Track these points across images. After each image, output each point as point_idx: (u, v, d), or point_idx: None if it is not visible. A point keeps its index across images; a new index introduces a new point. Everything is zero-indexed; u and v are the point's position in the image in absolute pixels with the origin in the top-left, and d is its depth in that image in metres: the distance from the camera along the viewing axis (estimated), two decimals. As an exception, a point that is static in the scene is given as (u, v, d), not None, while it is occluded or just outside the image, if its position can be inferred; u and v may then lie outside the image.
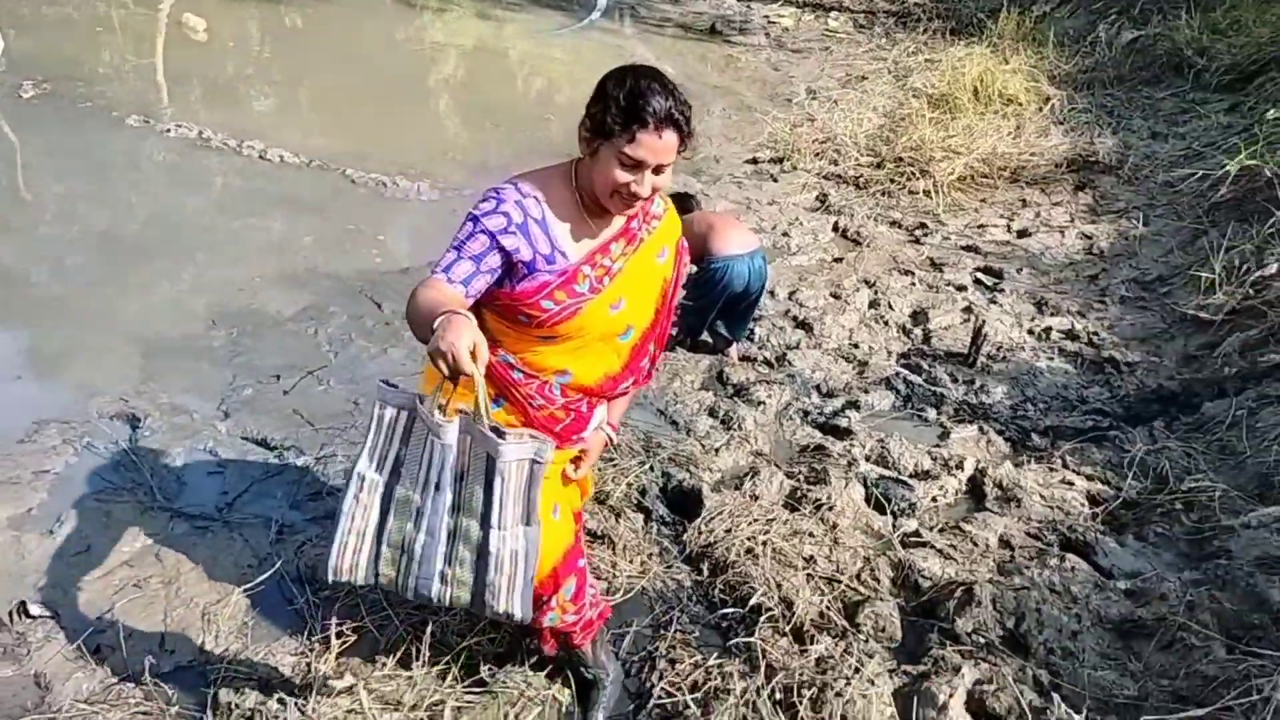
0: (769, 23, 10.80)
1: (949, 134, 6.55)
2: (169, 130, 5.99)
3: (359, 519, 1.87)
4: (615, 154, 1.80)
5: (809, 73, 8.97)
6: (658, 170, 1.81)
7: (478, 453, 1.77)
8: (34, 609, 2.64)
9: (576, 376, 2.05)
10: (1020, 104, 7.22)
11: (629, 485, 3.24)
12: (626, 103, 1.78)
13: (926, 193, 6.04)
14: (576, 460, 2.20)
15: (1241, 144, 5.38)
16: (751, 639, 2.59)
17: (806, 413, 3.82)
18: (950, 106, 7.08)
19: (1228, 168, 5.11)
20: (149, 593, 2.73)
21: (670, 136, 1.79)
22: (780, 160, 6.56)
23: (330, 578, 1.89)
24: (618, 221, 1.98)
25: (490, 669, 2.46)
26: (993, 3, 9.94)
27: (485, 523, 1.81)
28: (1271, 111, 5.46)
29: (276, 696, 2.37)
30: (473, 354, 1.56)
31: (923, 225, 5.68)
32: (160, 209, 5.16)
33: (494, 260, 1.84)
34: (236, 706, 2.37)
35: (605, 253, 1.97)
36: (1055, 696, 2.38)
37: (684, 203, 4.15)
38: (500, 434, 1.73)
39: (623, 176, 1.81)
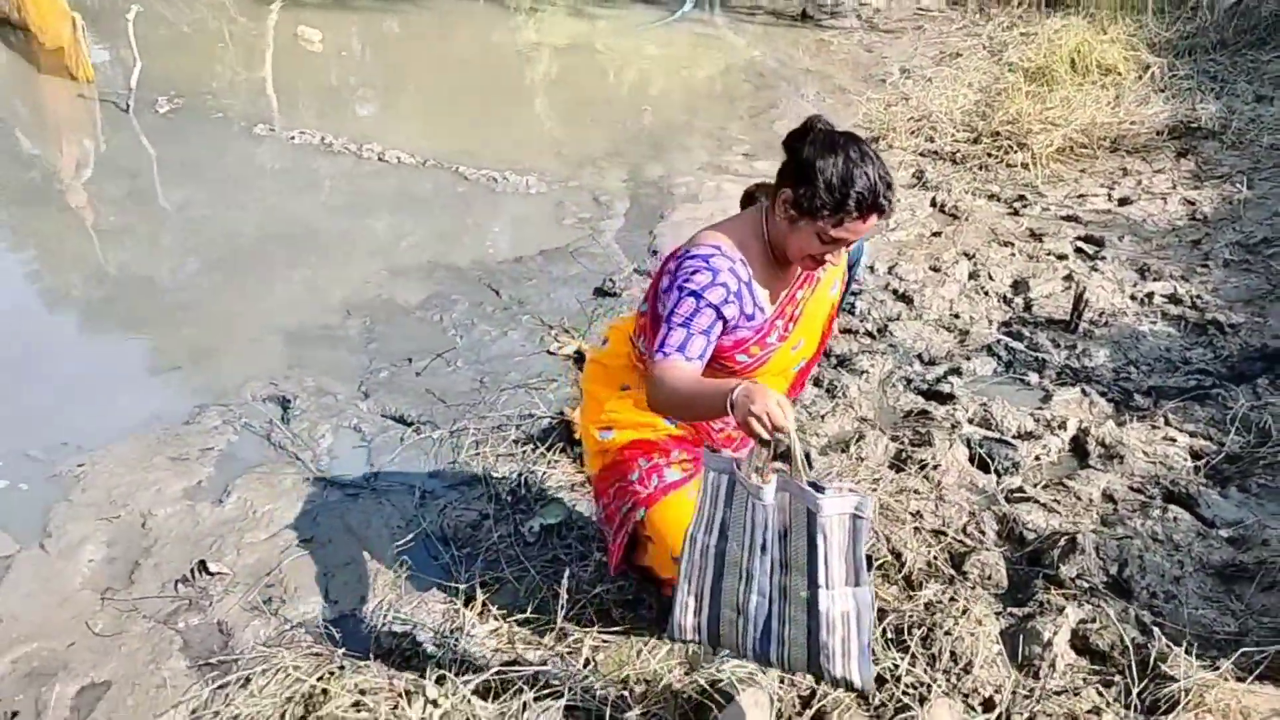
0: (860, 4, 10.83)
1: (1046, 106, 6.56)
2: (293, 137, 6.39)
3: (695, 581, 1.91)
4: (816, 230, 1.89)
5: (902, 52, 9.00)
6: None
7: (798, 509, 1.76)
8: (213, 566, 2.96)
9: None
10: (1119, 73, 7.16)
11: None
12: (838, 189, 1.84)
13: (1025, 165, 6.07)
14: None
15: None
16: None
17: (909, 380, 3.95)
18: (1047, 79, 7.07)
19: (1335, 126, 5.05)
20: (311, 552, 3.03)
21: (874, 219, 1.89)
22: (876, 139, 6.65)
23: (675, 636, 1.97)
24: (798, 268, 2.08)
25: (621, 612, 2.69)
26: (1089, -28, 9.80)
27: (813, 581, 1.76)
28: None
29: (432, 638, 2.64)
30: (781, 407, 1.67)
31: (1021, 197, 5.73)
32: (292, 210, 5.54)
33: (719, 329, 1.97)
34: (397, 647, 2.65)
35: (793, 302, 2.09)
36: (1156, 631, 2.49)
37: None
38: (819, 489, 1.73)
39: (820, 250, 1.91)
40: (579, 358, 4.09)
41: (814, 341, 2.22)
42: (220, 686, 2.53)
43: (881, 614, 2.66)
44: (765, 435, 1.69)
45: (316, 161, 6.14)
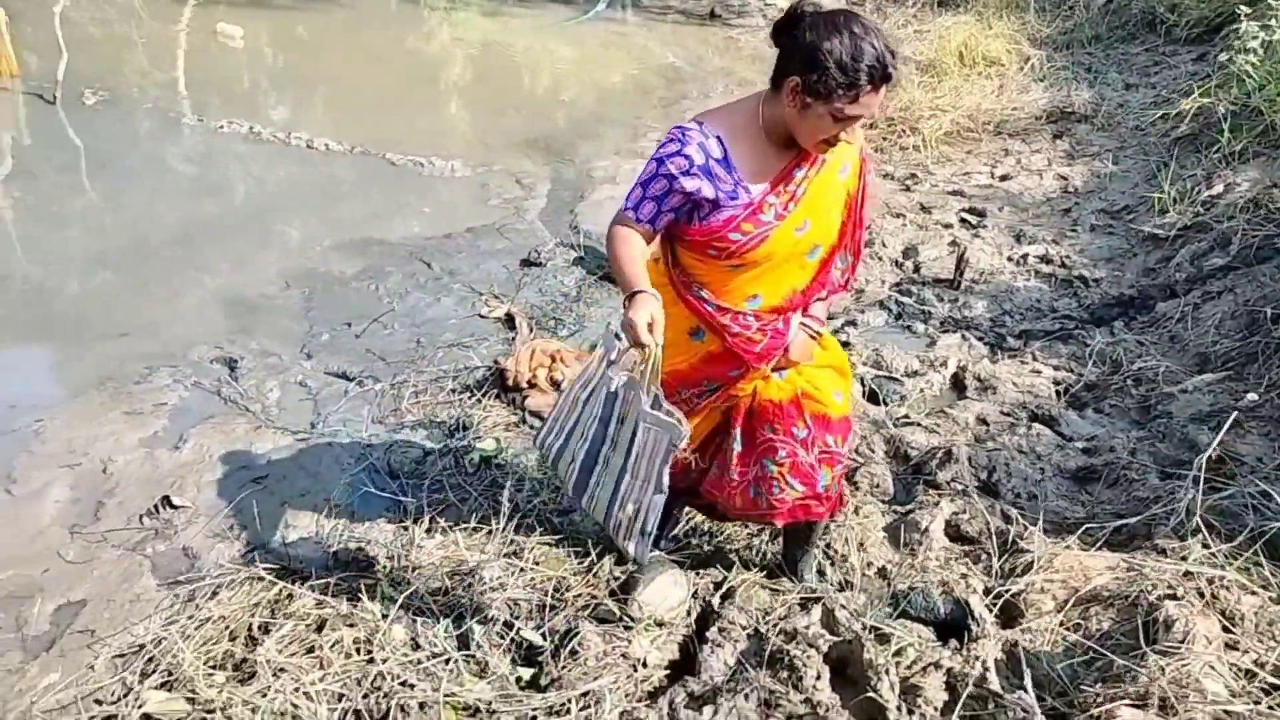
0: (764, 4, 11.32)
1: (937, 95, 7.07)
2: (222, 127, 6.57)
3: (562, 416, 2.24)
4: (830, 111, 1.86)
5: (805, 49, 9.47)
6: None
7: (634, 407, 2.03)
8: (176, 500, 3.20)
9: (766, 298, 2.17)
10: (1003, 65, 7.73)
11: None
12: (849, 66, 1.82)
13: (916, 148, 6.56)
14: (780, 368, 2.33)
15: (1196, 87, 5.88)
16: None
17: (810, 332, 4.36)
18: (937, 71, 7.60)
19: (1184, 105, 5.62)
20: (267, 487, 3.29)
21: (884, 90, 1.88)
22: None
23: (538, 450, 2.36)
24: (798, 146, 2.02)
25: (560, 521, 3.01)
26: (978, -27, 10.43)
27: (624, 466, 2.08)
28: (1223, 55, 5.95)
29: (384, 553, 2.93)
30: (650, 327, 1.83)
31: (913, 176, 6.21)
32: (226, 194, 5.74)
33: (675, 200, 1.99)
34: (353, 560, 2.93)
35: (788, 179, 2.02)
36: (1017, 517, 2.91)
37: None
38: (657, 404, 2.00)
39: (835, 130, 1.89)
40: (509, 319, 4.40)
41: (826, 225, 2.11)
42: (190, 599, 2.78)
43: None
44: (628, 343, 1.89)
45: (246, 149, 6.34)
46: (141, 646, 2.60)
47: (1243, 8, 5.89)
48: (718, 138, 1.98)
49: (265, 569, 2.79)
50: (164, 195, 5.66)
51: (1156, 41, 7.99)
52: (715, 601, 2.68)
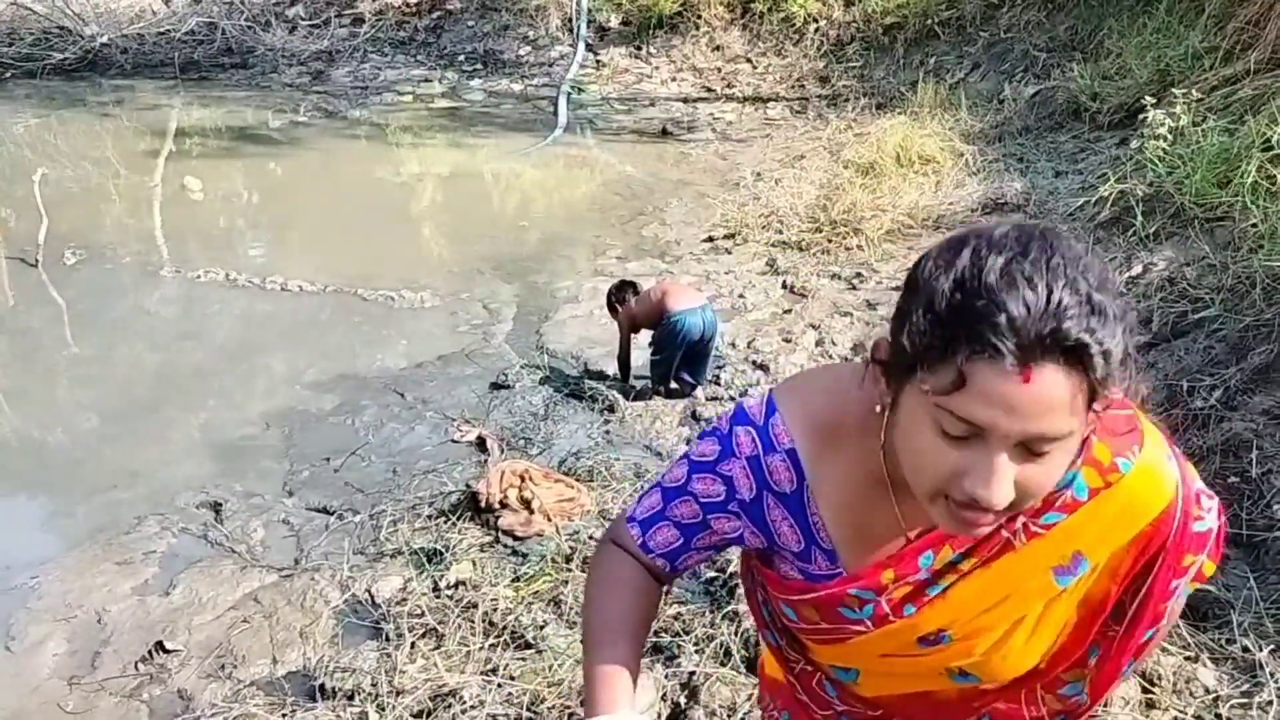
0: (714, 119, 11.86)
1: (877, 195, 7.46)
2: (199, 276, 6.87)
3: None
4: (925, 405, 0.92)
5: (753, 158, 9.94)
6: (1032, 450, 0.91)
7: None
8: (169, 644, 3.37)
9: (864, 685, 1.26)
10: (938, 161, 8.15)
11: (624, 505, 4.00)
12: (956, 305, 0.88)
13: (860, 247, 6.91)
14: None
15: (1114, 173, 6.27)
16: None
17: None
18: (877, 172, 8.02)
19: (1101, 192, 6.00)
20: (255, 625, 3.46)
21: (1052, 379, 0.86)
22: (733, 235, 7.45)
23: None
24: None
25: (534, 635, 3.19)
26: (911, 76, 11.00)
27: None
28: (1135, 142, 6.36)
29: (369, 680, 3.10)
30: None
31: (859, 274, 6.53)
32: (206, 340, 6.00)
33: (711, 539, 1.21)
34: (340, 689, 3.09)
35: (909, 563, 1.10)
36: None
37: (632, 287, 5.03)
38: None
39: (946, 460, 0.93)
40: (481, 442, 4.63)
41: (1005, 655, 1.15)
42: (187, 739, 2.94)
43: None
44: None
45: (224, 296, 6.62)
46: (141, 789, 2.75)
47: (1148, 99, 6.32)
48: (790, 454, 1.13)
49: (256, 705, 2.95)
50: (146, 346, 5.92)
51: (1082, 128, 8.44)
52: (682, 701, 2.85)
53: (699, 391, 5.00)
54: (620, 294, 5.11)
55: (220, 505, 4.21)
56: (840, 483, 1.13)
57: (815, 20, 12.68)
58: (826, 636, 1.20)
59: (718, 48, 13.21)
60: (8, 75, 13.26)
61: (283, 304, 6.50)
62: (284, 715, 2.94)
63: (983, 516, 0.94)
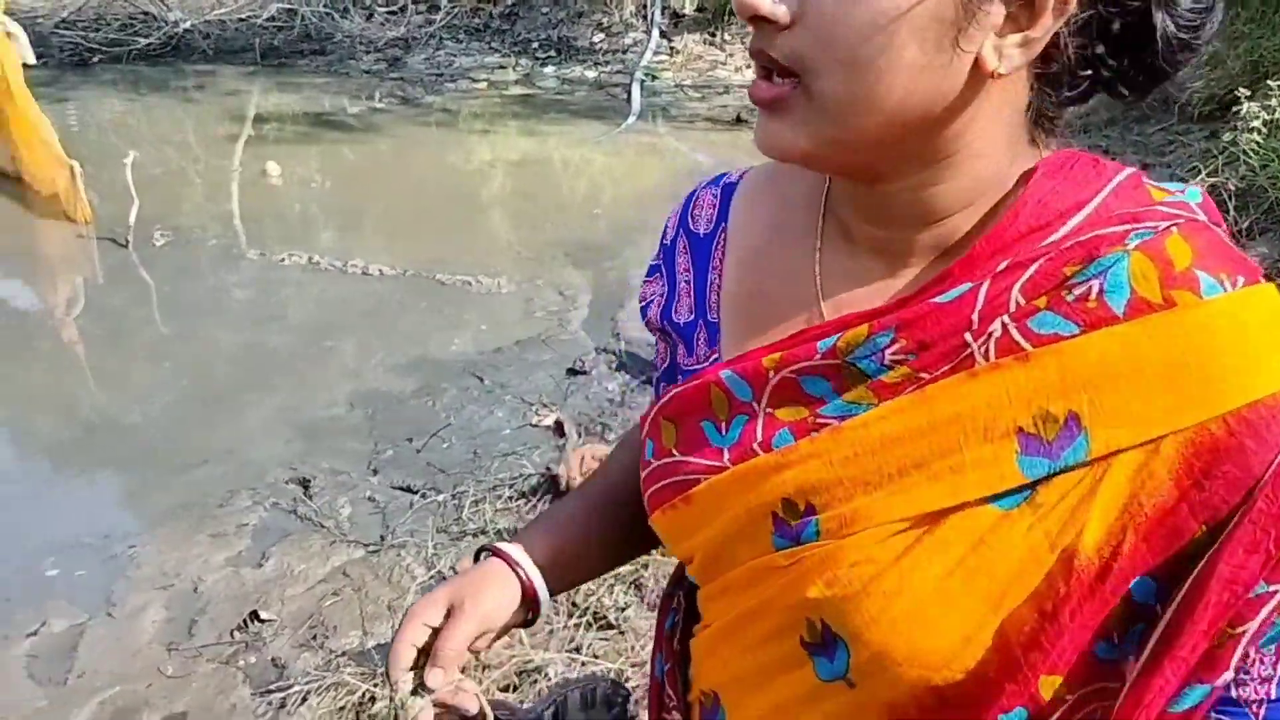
0: (788, 107, 11.77)
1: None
2: (282, 259, 7.03)
3: None
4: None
5: (828, 147, 9.86)
6: None
7: None
8: (263, 614, 3.48)
9: (729, 708, 0.80)
10: (1019, 152, 8.02)
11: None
12: None
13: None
14: None
15: (1205, 166, 6.12)
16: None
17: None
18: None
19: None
20: (345, 598, 3.56)
21: None
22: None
23: None
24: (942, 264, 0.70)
25: (616, 616, 3.24)
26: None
27: None
28: (1227, 135, 6.20)
29: (455, 654, 3.16)
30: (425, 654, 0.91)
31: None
32: (290, 321, 6.15)
33: (655, 334, 0.93)
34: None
35: (804, 346, 0.71)
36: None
37: None
38: None
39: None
40: (558, 427, 4.69)
41: (908, 592, 0.64)
42: (282, 705, 3.03)
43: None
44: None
45: (306, 279, 6.77)
46: (240, 752, 2.85)
47: (1242, 91, 6.15)
48: (726, 186, 0.91)
49: (348, 675, 3.04)
50: (231, 326, 6.07)
51: (1170, 120, 8.26)
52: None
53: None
54: None
55: (308, 481, 4.32)
56: (758, 223, 0.83)
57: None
58: (671, 483, 0.78)
59: (792, 36, 13.11)
60: (95, 60, 13.63)
61: (362, 287, 6.63)
62: (375, 685, 3.01)
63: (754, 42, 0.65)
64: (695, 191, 0.92)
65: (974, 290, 0.65)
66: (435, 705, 0.89)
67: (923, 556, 0.63)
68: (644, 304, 0.92)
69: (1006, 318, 0.64)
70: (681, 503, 0.78)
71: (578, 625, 3.19)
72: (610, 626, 3.19)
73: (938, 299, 0.66)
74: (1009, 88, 0.67)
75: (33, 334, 6.11)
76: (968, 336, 0.64)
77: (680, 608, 0.92)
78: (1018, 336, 0.63)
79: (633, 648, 3.07)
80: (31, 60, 8.20)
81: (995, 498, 0.62)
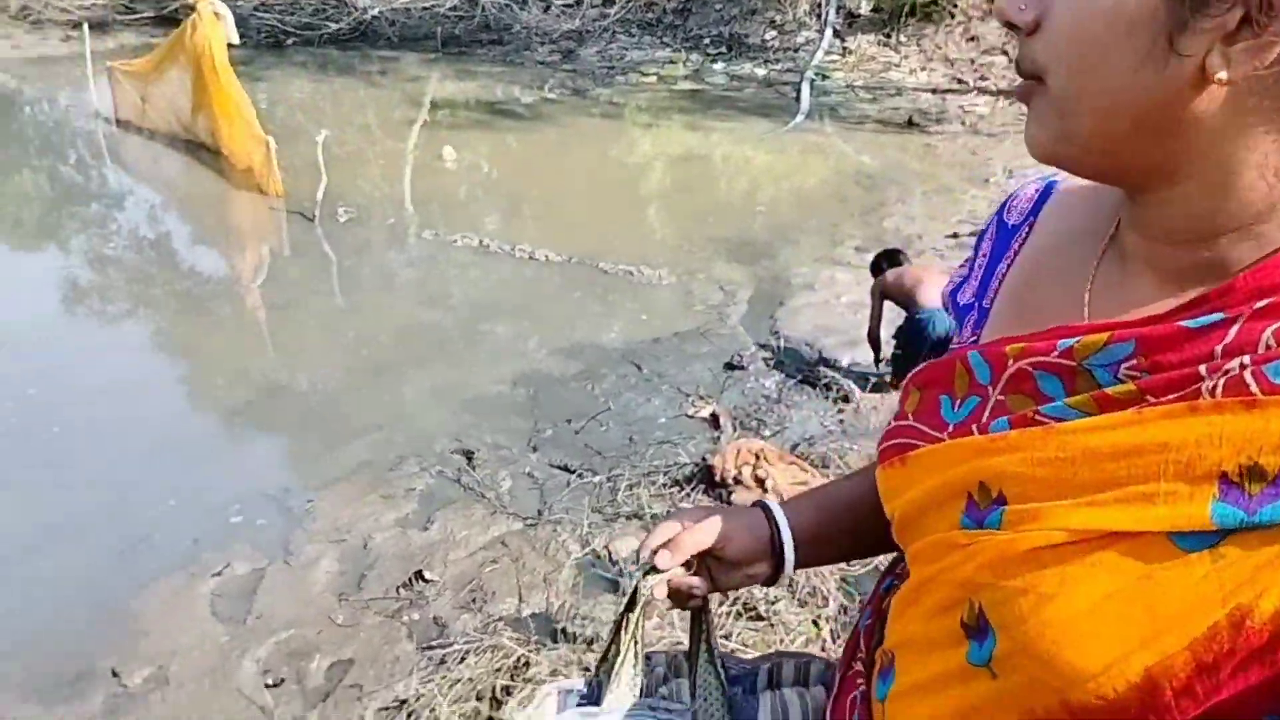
0: (964, 111, 11.50)
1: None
2: (455, 240, 7.32)
3: None
4: None
5: (1006, 154, 9.59)
6: None
7: None
8: (428, 574, 3.65)
9: (900, 671, 0.81)
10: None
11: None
12: None
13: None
14: None
15: None
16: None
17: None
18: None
19: None
20: (503, 566, 3.70)
21: None
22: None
23: None
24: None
25: (766, 608, 3.27)
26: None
27: None
28: None
29: (608, 630, 3.26)
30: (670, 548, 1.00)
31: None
32: (461, 299, 6.41)
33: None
34: (580, 634, 3.27)
35: (1045, 341, 0.72)
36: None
37: (894, 258, 4.96)
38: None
39: None
40: (714, 419, 4.74)
41: (1070, 602, 0.63)
42: (442, 662, 3.19)
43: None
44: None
45: (476, 260, 7.03)
46: (403, 702, 3.01)
47: None
48: (1050, 184, 0.90)
49: (506, 639, 3.17)
50: (406, 302, 6.37)
51: None
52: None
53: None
54: (880, 262, 5.10)
55: (472, 454, 4.50)
56: (1061, 224, 0.86)
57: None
58: (897, 444, 0.83)
59: (973, 38, 12.81)
60: (289, 43, 14.43)
61: (529, 271, 6.83)
62: (530, 650, 3.13)
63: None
64: (1026, 185, 0.93)
65: (1226, 322, 0.63)
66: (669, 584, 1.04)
67: (1088, 572, 0.63)
68: (953, 280, 0.97)
69: (1247, 358, 0.61)
70: (899, 463, 0.82)
71: (728, 614, 3.24)
72: (760, 618, 3.22)
73: (1185, 322, 0.65)
74: (1267, 105, 0.61)
75: (219, 298, 6.55)
76: (1202, 368, 0.62)
77: (899, 573, 0.94)
78: (1249, 379, 0.60)
79: (781, 640, 3.09)
80: (235, 40, 8.77)
81: (1179, 535, 0.60)
